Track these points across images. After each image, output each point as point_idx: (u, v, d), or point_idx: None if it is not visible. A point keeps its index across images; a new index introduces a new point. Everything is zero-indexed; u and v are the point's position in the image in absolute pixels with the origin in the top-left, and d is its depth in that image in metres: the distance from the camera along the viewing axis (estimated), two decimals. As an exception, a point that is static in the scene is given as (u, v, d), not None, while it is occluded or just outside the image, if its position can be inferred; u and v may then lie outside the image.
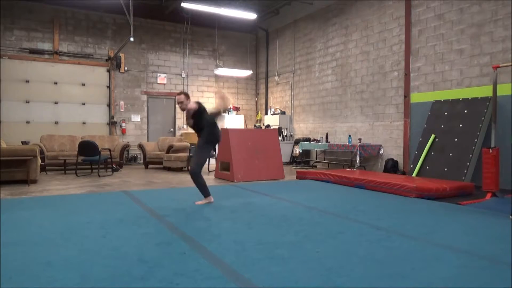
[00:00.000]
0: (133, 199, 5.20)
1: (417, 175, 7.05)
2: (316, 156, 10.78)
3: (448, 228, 3.69)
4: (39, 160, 7.17)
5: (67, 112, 10.86)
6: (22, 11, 10.31)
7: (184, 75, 12.51)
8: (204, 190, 4.84)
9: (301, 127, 11.63)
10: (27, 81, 10.36)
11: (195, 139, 10.96)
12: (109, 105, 11.42)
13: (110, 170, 8.81)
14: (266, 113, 13.07)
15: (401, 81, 8.31)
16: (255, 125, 12.91)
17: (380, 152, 8.75)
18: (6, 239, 3.14)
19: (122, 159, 9.75)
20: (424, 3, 7.75)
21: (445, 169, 6.72)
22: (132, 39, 9.22)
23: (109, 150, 8.58)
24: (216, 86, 13.14)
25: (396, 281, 2.31)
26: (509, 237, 3.31)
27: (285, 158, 11.06)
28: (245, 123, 13.30)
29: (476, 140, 6.46)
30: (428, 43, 7.70)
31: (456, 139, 6.77)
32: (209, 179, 7.79)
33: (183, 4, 9.89)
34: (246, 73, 12.93)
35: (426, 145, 7.16)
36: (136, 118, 11.82)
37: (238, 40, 13.49)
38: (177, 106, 12.32)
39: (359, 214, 4.24)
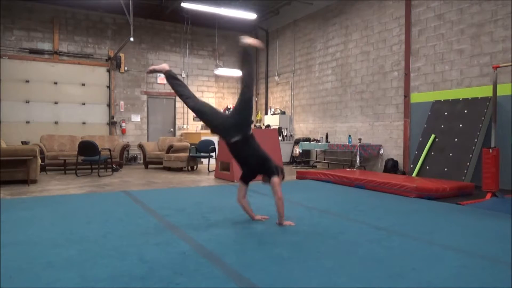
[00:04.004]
0: (133, 199, 5.20)
1: (417, 175, 7.05)
2: (316, 156, 10.78)
3: (448, 228, 3.69)
4: (39, 160, 7.16)
5: (67, 112, 10.86)
6: (22, 11, 10.30)
7: (184, 75, 12.51)
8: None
9: (301, 127, 11.63)
10: (27, 81, 10.36)
11: (195, 139, 11.00)
12: (109, 105, 11.42)
13: (110, 170, 8.81)
14: (266, 113, 13.08)
15: (401, 81, 8.31)
16: (255, 125, 12.91)
17: (380, 152, 8.75)
18: (6, 239, 3.13)
19: (122, 159, 9.74)
20: (424, 3, 7.75)
21: (445, 169, 6.71)
22: (132, 39, 9.22)
23: (109, 150, 8.58)
24: (216, 86, 13.14)
25: (396, 281, 2.31)
26: (509, 237, 3.31)
27: (285, 158, 11.05)
28: (245, 123, 13.28)
29: (476, 140, 6.46)
30: (428, 43, 7.70)
31: (456, 139, 6.77)
32: (209, 179, 7.79)
33: (183, 4, 9.89)
34: (246, 73, 12.90)
35: (426, 145, 7.16)
36: (136, 118, 11.83)
37: (238, 40, 13.47)
38: (177, 104, 12.41)
39: (359, 214, 4.24)
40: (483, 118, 6.51)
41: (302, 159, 10.89)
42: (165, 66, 3.87)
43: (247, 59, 3.78)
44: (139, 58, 11.85)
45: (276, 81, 12.84)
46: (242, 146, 3.62)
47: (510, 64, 5.51)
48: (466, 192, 5.73)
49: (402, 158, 8.26)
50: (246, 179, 3.78)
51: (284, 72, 12.42)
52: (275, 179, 3.57)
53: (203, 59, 12.90)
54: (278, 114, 12.12)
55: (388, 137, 8.67)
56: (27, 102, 10.36)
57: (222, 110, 13.01)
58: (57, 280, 2.28)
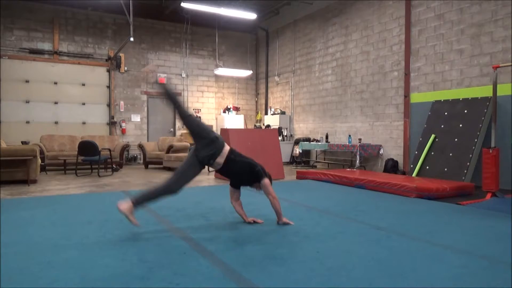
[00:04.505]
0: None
1: (417, 175, 7.05)
2: (316, 156, 10.78)
3: (448, 228, 3.69)
4: (39, 160, 7.16)
5: (67, 112, 10.86)
6: (22, 11, 10.30)
7: (184, 75, 12.51)
8: None
9: (301, 127, 11.63)
10: (27, 81, 10.36)
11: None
12: (109, 105, 11.42)
13: (110, 170, 8.81)
14: (266, 113, 13.08)
15: (401, 81, 8.31)
16: (255, 125, 12.91)
17: (380, 152, 8.75)
18: (6, 239, 3.13)
19: (122, 159, 9.75)
20: (424, 3, 7.75)
21: (445, 169, 6.72)
22: (132, 39, 9.21)
23: (109, 150, 8.58)
24: (216, 86, 13.15)
25: (396, 281, 2.31)
26: (509, 237, 3.31)
27: (285, 158, 11.05)
28: (245, 123, 13.30)
29: (476, 140, 6.47)
30: (428, 43, 7.70)
31: (456, 139, 6.77)
32: (209, 179, 7.79)
33: (183, 4, 9.89)
34: (246, 73, 12.93)
35: (426, 145, 7.16)
36: (136, 118, 11.83)
37: (238, 40, 13.50)
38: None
39: (359, 214, 4.24)
40: (483, 118, 6.51)
41: (302, 159, 10.89)
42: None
43: (169, 96, 3.64)
44: (139, 58, 11.85)
45: (276, 81, 12.84)
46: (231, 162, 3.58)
47: (510, 64, 5.51)
48: (466, 192, 5.73)
49: (402, 158, 8.26)
50: (237, 185, 3.81)
51: (284, 72, 12.42)
52: (265, 181, 3.59)
53: (203, 59, 12.90)
54: (278, 114, 12.12)
55: (388, 137, 8.67)
56: (27, 102, 10.36)
57: (222, 110, 13.02)
58: (57, 280, 2.27)
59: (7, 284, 2.21)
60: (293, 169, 9.74)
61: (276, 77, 12.81)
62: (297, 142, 11.25)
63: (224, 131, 7.93)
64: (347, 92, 9.83)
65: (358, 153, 8.52)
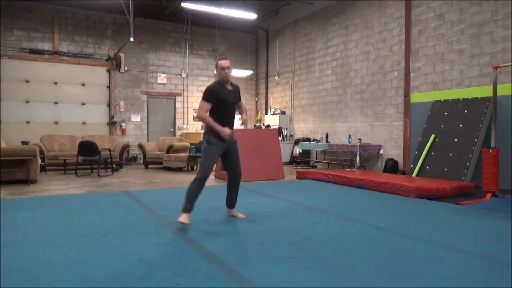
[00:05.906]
0: (133, 199, 5.20)
1: (417, 175, 7.05)
2: (316, 156, 10.78)
3: (448, 228, 3.69)
4: (39, 160, 7.16)
5: (67, 112, 10.86)
6: (22, 11, 10.30)
7: (184, 75, 12.51)
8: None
9: (301, 127, 11.63)
10: (27, 81, 10.36)
11: (195, 139, 10.99)
12: (109, 105, 11.42)
13: (110, 170, 8.81)
14: (266, 113, 13.08)
15: (401, 81, 8.31)
16: (255, 125, 12.90)
17: (380, 152, 8.75)
18: (6, 239, 3.14)
19: (122, 159, 9.74)
20: (424, 3, 7.75)
21: (445, 169, 6.71)
22: (132, 39, 9.21)
23: (109, 150, 8.58)
24: (216, 86, 13.12)
25: (396, 281, 2.31)
26: (509, 237, 3.31)
27: (285, 158, 11.05)
28: (245, 123, 13.27)
29: (476, 140, 6.46)
30: (428, 43, 7.70)
31: (456, 139, 6.77)
32: (209, 179, 7.78)
33: (183, 4, 9.89)
34: (246, 73, 12.93)
35: (426, 145, 7.16)
36: (136, 118, 11.82)
37: (238, 40, 13.49)
38: (177, 104, 12.40)
39: (359, 214, 4.24)
40: (483, 118, 6.50)
41: (302, 159, 10.89)
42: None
43: None
44: (139, 58, 11.85)
45: (276, 81, 12.84)
46: None
47: (510, 64, 5.52)
48: (466, 192, 5.73)
49: (402, 158, 8.26)
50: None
51: (284, 72, 12.42)
52: None
53: (203, 59, 12.90)
54: (278, 114, 12.12)
55: (388, 137, 8.67)
56: (27, 102, 10.36)
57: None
58: (57, 280, 2.28)
59: (7, 284, 2.21)
60: (293, 169, 9.74)
61: (276, 77, 12.81)
62: (297, 142, 11.24)
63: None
64: (347, 92, 9.83)
65: (358, 153, 8.52)
